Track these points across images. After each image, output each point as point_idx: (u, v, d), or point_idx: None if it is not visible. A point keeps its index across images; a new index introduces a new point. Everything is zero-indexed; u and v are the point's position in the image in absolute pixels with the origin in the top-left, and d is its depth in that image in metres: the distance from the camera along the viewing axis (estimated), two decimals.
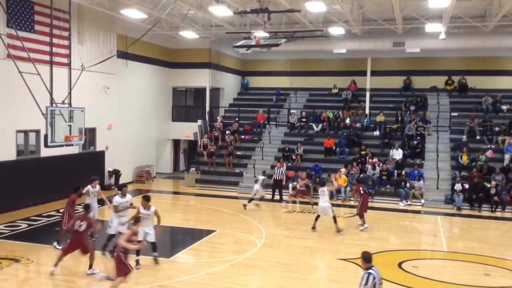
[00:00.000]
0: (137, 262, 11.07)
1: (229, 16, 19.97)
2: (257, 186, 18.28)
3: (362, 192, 15.80)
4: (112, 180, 22.09)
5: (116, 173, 22.26)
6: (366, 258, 7.19)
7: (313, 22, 21.52)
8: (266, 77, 31.46)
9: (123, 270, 9.11)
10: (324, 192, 15.02)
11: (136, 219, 10.23)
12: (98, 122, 20.93)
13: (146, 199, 11.38)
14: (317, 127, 25.69)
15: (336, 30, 21.89)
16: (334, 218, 14.93)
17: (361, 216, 15.61)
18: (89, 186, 13.36)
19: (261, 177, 18.78)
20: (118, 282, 9.06)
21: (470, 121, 23.35)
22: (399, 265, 12.06)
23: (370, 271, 7.02)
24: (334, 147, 23.61)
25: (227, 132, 25.80)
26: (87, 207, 11.20)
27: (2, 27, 16.08)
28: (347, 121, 25.46)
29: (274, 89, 30.01)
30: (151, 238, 11.35)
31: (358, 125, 25.23)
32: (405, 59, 27.73)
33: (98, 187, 13.56)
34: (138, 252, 11.02)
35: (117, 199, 11.98)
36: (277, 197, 20.38)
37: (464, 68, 27.27)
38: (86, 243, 10.64)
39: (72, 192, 12.66)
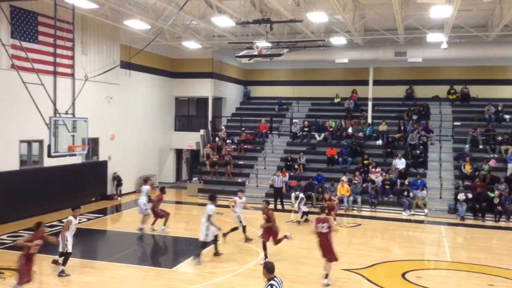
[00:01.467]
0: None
1: (232, 27, 20.08)
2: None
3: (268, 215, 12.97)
4: (115, 188, 22.27)
5: (118, 180, 22.37)
6: (269, 268, 6.99)
7: (315, 32, 21.63)
8: (268, 86, 31.56)
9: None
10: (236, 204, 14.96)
11: (323, 208, 11.68)
12: (101, 132, 20.99)
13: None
14: (319, 136, 25.71)
15: (338, 40, 21.98)
16: (244, 227, 14.87)
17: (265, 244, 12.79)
18: (148, 187, 15.86)
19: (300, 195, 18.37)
20: None
21: (473, 131, 23.33)
22: (403, 275, 12.00)
23: (271, 282, 6.85)
24: (336, 157, 23.60)
25: (228, 141, 25.82)
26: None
27: (6, 38, 16.20)
28: (350, 130, 25.47)
29: (276, 99, 30.07)
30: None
31: (360, 134, 25.24)
32: (407, 69, 27.81)
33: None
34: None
35: (211, 209, 12.70)
36: (279, 206, 20.36)
37: (466, 77, 27.33)
38: None
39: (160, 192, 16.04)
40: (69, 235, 11.48)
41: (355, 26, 20.09)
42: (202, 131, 27.18)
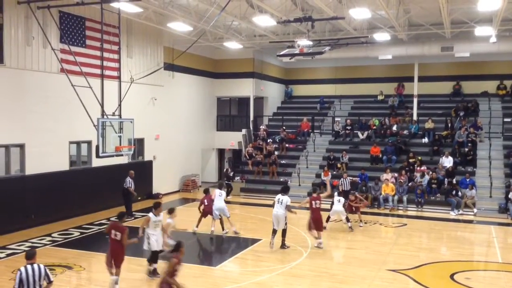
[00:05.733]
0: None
1: (273, 26, 20.08)
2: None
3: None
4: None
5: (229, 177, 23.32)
6: (25, 255, 7.34)
7: (358, 28, 21.31)
8: (310, 85, 31.34)
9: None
10: (280, 201, 13.76)
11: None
12: (146, 133, 21.47)
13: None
14: (362, 134, 25.32)
15: (381, 36, 21.56)
16: (283, 231, 13.84)
17: None
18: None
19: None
20: None
21: None
22: (451, 276, 11.65)
23: (21, 268, 7.14)
24: (380, 155, 23.17)
25: (269, 140, 25.84)
26: None
27: (56, 43, 16.82)
28: (394, 128, 24.95)
29: (318, 97, 29.84)
30: None
31: (405, 132, 24.67)
32: (454, 64, 26.93)
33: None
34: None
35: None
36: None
37: None
38: None
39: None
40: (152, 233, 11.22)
41: (399, 21, 19.65)
42: (244, 131, 27.33)
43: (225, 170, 24.07)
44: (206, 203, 15.51)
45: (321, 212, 14.25)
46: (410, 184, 20.86)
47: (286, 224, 13.84)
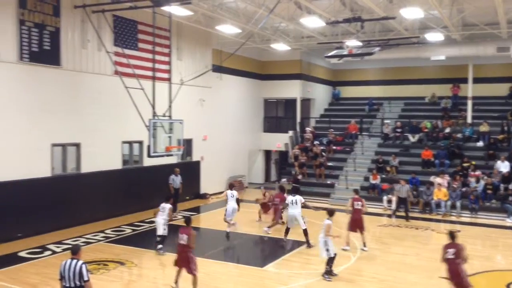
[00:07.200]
0: None
1: (321, 27, 19.92)
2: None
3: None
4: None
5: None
6: (71, 249, 7.62)
7: (409, 29, 20.81)
8: (358, 86, 30.88)
9: None
10: (293, 201, 14.56)
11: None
12: (194, 133, 21.80)
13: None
14: (413, 137, 24.67)
15: (434, 36, 20.92)
16: (305, 230, 14.36)
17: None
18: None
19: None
20: None
21: None
22: (508, 286, 11.17)
23: (63, 261, 7.41)
24: (432, 159, 22.48)
25: (315, 143, 25.63)
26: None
27: (110, 46, 17.37)
28: (447, 131, 24.16)
29: (366, 99, 29.35)
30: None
31: (459, 135, 23.84)
32: (511, 65, 25.79)
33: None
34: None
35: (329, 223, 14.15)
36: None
37: None
38: None
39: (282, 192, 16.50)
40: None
41: (452, 21, 19.03)
42: (290, 132, 27.28)
43: (293, 173, 23.91)
44: (274, 202, 16.44)
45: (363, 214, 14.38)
46: (464, 189, 20.13)
47: (305, 223, 14.45)
